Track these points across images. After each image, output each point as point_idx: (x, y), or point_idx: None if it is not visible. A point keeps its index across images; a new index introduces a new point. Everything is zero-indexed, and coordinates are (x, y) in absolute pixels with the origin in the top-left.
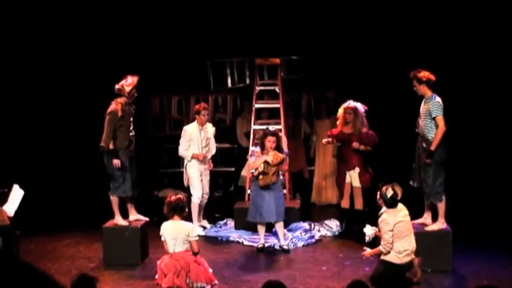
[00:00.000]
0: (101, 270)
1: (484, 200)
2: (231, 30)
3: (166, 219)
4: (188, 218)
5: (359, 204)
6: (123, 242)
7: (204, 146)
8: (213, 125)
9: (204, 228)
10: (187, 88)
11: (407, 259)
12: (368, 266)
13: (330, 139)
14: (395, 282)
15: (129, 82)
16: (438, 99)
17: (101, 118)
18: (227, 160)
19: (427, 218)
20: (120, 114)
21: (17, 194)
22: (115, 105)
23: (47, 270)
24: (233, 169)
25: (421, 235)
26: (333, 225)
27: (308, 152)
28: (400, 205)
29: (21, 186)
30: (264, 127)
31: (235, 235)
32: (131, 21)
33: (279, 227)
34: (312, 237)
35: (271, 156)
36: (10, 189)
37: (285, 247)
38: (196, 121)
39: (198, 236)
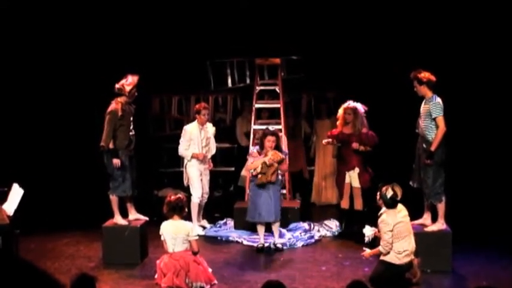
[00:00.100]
0: (101, 269)
1: (484, 200)
2: (231, 30)
3: (166, 218)
4: (188, 217)
5: (359, 205)
6: (122, 241)
7: (204, 145)
8: (213, 125)
9: (204, 228)
10: (188, 88)
11: (406, 259)
12: (367, 266)
13: (329, 140)
14: (395, 283)
15: (129, 81)
16: (438, 99)
17: (101, 117)
18: (227, 160)
19: (426, 218)
20: (120, 113)
21: (16, 193)
22: (115, 105)
23: (47, 269)
24: (233, 169)
25: (420, 235)
26: (332, 226)
27: (308, 152)
28: (399, 206)
29: (21, 185)
30: (264, 127)
31: (234, 235)
32: (131, 21)
33: (275, 226)
34: (312, 237)
35: (270, 156)
36: (10, 188)
37: (279, 245)
38: (196, 121)
39: (198, 235)
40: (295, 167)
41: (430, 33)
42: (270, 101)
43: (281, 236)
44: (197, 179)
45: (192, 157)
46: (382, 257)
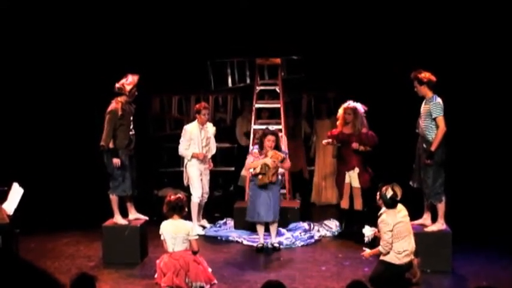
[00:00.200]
0: (101, 269)
1: (484, 200)
2: (231, 30)
3: (166, 218)
4: (188, 217)
5: (358, 205)
6: (122, 241)
7: (204, 145)
8: (214, 125)
9: (204, 227)
10: (188, 88)
11: (406, 259)
12: (367, 266)
13: (329, 140)
14: (395, 283)
15: (129, 81)
16: (439, 100)
17: (101, 117)
18: (227, 160)
19: (426, 218)
20: (120, 113)
21: (16, 193)
22: (115, 104)
23: (47, 268)
24: (233, 169)
25: (420, 236)
26: (332, 226)
27: (308, 152)
28: (399, 206)
29: (21, 185)
30: (264, 127)
31: (234, 235)
32: (132, 21)
33: (273, 226)
34: (312, 237)
35: (271, 158)
36: (10, 188)
37: (276, 245)
38: (196, 120)
39: (198, 235)
40: (295, 167)
41: (430, 33)
42: (270, 101)
43: (279, 235)
44: (197, 179)
45: (192, 157)
46: (382, 257)
